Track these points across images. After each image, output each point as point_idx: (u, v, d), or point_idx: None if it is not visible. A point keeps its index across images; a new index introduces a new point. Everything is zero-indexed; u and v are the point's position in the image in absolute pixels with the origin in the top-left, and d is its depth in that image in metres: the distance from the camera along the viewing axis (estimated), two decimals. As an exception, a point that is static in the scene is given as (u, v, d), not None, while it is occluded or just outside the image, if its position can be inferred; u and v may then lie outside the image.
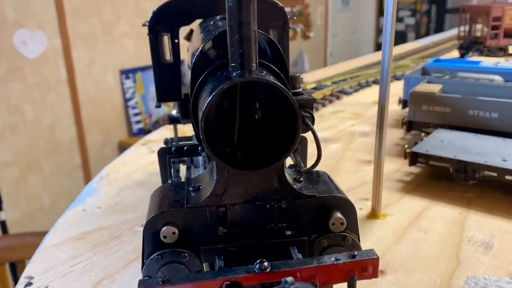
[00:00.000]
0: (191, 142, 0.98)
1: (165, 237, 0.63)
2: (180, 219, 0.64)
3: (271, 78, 0.61)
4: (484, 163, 1.17)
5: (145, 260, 0.65)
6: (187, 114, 1.07)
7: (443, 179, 1.26)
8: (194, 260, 0.65)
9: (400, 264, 0.90)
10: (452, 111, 1.48)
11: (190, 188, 0.68)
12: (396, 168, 1.38)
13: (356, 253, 0.62)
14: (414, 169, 1.34)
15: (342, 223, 0.66)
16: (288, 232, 0.68)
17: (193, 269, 0.65)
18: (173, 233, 0.63)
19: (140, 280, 0.59)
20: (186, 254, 0.64)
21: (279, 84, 0.60)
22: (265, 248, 0.67)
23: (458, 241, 0.99)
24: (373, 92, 2.34)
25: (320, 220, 0.68)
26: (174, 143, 0.99)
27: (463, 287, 0.80)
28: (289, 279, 0.55)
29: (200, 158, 0.94)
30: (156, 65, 0.95)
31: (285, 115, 0.62)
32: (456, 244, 0.98)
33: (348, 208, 0.68)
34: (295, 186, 0.67)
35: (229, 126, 0.63)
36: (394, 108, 1.91)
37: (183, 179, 0.92)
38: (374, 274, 0.62)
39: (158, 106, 1.02)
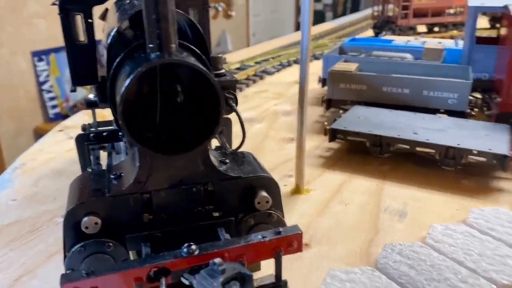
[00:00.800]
0: (111, 127, 0.94)
1: (86, 227, 0.61)
2: (102, 208, 0.62)
3: (191, 60, 0.60)
4: (397, 137, 1.25)
5: (67, 253, 0.62)
6: (105, 97, 1.03)
7: (361, 153, 1.33)
8: (119, 249, 0.63)
9: (323, 236, 0.95)
10: (367, 89, 1.55)
11: (111, 176, 0.66)
12: (317, 144, 1.43)
13: (281, 229, 0.64)
14: (334, 145, 1.40)
15: (267, 202, 0.68)
16: (216, 214, 0.69)
17: (119, 258, 0.64)
18: (95, 223, 0.61)
19: (62, 274, 0.56)
20: (111, 244, 0.63)
21: (200, 65, 0.59)
22: (193, 232, 0.67)
23: (376, 211, 1.05)
24: (294, 71, 2.39)
25: (246, 200, 0.69)
26: (92, 129, 0.95)
27: (381, 253, 0.86)
28: (217, 260, 0.55)
29: (121, 144, 0.91)
30: (69, 46, 0.89)
31: (207, 97, 0.61)
32: (374, 214, 1.04)
33: (272, 186, 0.69)
34: (220, 168, 0.67)
35: (150, 109, 0.61)
36: (314, 86, 1.97)
37: (104, 167, 0.89)
38: (299, 248, 0.65)
39: (73, 90, 0.97)
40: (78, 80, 0.95)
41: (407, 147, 1.25)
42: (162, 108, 0.62)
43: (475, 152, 1.16)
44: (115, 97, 0.66)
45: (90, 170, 0.83)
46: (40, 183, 1.18)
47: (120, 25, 0.69)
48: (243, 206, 0.69)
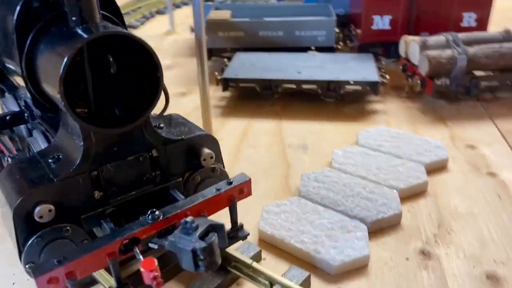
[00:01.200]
0: (11, 110, 0.85)
1: (41, 217, 0.58)
2: (52, 194, 0.60)
3: (122, 30, 0.59)
4: (285, 78, 1.36)
5: (22, 248, 0.59)
6: None
7: (253, 98, 1.41)
8: (77, 231, 0.62)
9: (245, 180, 1.02)
10: (245, 35, 1.62)
11: (50, 160, 0.63)
12: (210, 95, 1.47)
13: (232, 180, 0.69)
14: (226, 94, 1.46)
15: (211, 157, 0.72)
16: (163, 178, 0.70)
17: (78, 240, 0.63)
18: (49, 210, 0.59)
19: (32, 267, 0.54)
20: (68, 228, 0.61)
21: (134, 35, 0.59)
22: (145, 200, 0.68)
23: (282, 148, 1.16)
24: (160, 23, 2.33)
25: (190, 159, 0.71)
26: None
27: (301, 183, 0.97)
28: (189, 218, 0.59)
29: (22, 127, 0.84)
30: None
31: (145, 66, 0.61)
32: (281, 151, 1.14)
33: (212, 142, 0.73)
34: (162, 134, 0.68)
35: (86, 85, 0.59)
36: (187, 36, 1.97)
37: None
38: (249, 192, 0.71)
39: None
40: None
41: (294, 86, 1.37)
42: (98, 82, 0.60)
43: (351, 82, 1.33)
44: (37, 76, 0.62)
45: (10, 159, 0.76)
46: None
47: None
48: (188, 165, 0.72)
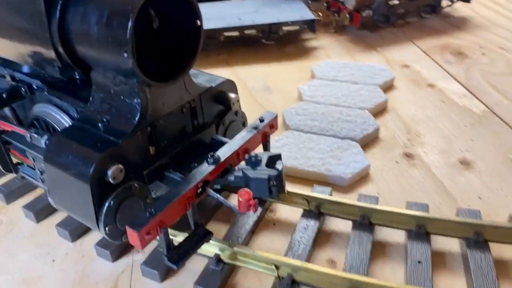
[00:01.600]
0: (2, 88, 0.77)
1: (114, 178, 0.59)
2: (119, 155, 0.60)
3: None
4: (227, 26, 1.39)
5: (99, 212, 0.60)
6: None
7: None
8: (142, 187, 0.64)
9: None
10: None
11: (99, 124, 0.63)
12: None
13: (263, 117, 0.75)
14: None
15: (238, 101, 0.77)
16: (201, 126, 0.73)
17: (143, 196, 0.65)
18: (120, 170, 0.60)
19: (130, 224, 0.56)
20: (136, 185, 0.63)
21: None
22: (192, 147, 0.71)
23: (248, 93, 1.22)
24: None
25: (219, 105, 0.75)
26: None
27: (284, 119, 1.06)
28: (253, 153, 0.65)
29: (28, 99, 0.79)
30: None
31: (183, 18, 0.63)
32: (248, 96, 1.21)
33: (234, 86, 0.77)
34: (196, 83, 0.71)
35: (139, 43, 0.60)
36: None
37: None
38: (277, 127, 0.78)
39: None
40: None
41: (237, 33, 1.42)
42: (141, 39, 0.61)
43: (290, 23, 1.42)
44: (72, 40, 0.60)
45: (44, 135, 0.70)
46: None
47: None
48: (219, 111, 0.76)
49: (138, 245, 0.56)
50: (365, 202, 0.78)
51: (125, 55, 0.55)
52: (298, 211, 0.80)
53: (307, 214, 0.79)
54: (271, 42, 1.45)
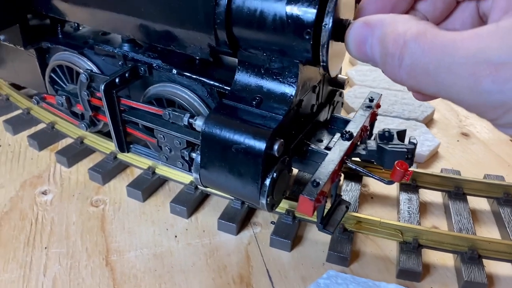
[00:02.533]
0: (120, 68, 0.77)
1: (278, 151, 0.63)
2: (280, 131, 0.64)
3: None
4: None
5: (263, 184, 0.64)
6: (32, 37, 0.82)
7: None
8: (289, 160, 0.69)
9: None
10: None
11: (253, 102, 0.66)
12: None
13: (372, 97, 0.81)
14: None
15: (348, 82, 0.83)
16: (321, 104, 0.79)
17: (288, 170, 0.69)
18: (282, 145, 0.64)
19: (306, 193, 0.61)
20: (287, 158, 0.67)
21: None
22: (316, 125, 0.77)
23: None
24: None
25: (332, 85, 0.81)
26: (95, 73, 0.76)
27: (347, 102, 1.12)
28: (386, 129, 0.71)
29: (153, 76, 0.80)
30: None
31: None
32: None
33: (340, 68, 0.83)
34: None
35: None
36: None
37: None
38: (380, 105, 0.84)
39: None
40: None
41: None
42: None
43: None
44: (235, 17, 0.63)
45: (185, 113, 0.71)
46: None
47: None
48: (330, 91, 0.82)
49: (309, 212, 0.61)
50: (454, 175, 0.87)
51: (307, 37, 0.59)
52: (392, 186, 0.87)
53: (405, 187, 0.86)
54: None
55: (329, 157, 0.68)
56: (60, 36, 0.86)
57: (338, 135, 0.75)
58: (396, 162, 0.65)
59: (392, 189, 0.89)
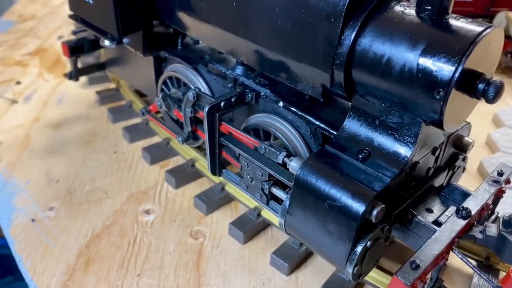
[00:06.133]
0: (230, 92, 0.75)
1: (376, 218, 0.55)
2: (384, 194, 0.56)
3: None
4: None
5: (352, 251, 0.56)
6: (153, 45, 0.83)
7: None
8: (388, 229, 0.60)
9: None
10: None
11: (360, 156, 0.58)
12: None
13: (502, 170, 0.69)
14: None
15: (472, 146, 0.71)
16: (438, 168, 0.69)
17: (384, 237, 0.60)
18: (383, 211, 0.55)
19: (399, 275, 0.52)
20: (387, 226, 0.58)
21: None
22: (428, 191, 0.67)
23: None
24: None
25: (454, 149, 0.71)
26: (202, 93, 0.75)
27: (488, 171, 0.98)
28: (507, 214, 0.59)
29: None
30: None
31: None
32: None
33: (469, 130, 0.73)
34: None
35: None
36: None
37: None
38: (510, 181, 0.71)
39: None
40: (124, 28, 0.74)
41: None
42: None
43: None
44: (357, 60, 0.56)
45: (282, 151, 0.67)
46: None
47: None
48: (451, 155, 0.71)
49: (400, 295, 0.52)
50: None
51: (437, 97, 0.50)
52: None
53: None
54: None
55: (438, 235, 0.59)
56: (179, 47, 0.86)
57: (452, 208, 0.64)
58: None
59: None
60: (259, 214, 0.81)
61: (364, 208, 0.53)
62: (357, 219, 0.53)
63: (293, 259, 0.73)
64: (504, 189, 0.69)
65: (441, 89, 0.50)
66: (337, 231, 0.56)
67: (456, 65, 0.49)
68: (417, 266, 0.54)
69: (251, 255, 0.77)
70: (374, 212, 0.54)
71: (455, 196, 0.68)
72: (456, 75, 0.49)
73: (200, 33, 0.75)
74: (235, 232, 0.79)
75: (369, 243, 0.56)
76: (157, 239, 0.78)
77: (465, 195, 0.66)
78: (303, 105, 0.70)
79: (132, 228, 0.80)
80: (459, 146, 0.70)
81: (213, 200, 0.84)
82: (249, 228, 0.78)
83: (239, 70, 0.77)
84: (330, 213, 0.56)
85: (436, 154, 0.64)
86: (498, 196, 0.69)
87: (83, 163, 0.95)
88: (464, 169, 0.76)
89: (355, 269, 0.57)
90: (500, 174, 0.69)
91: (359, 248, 0.56)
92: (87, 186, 0.89)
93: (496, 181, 0.67)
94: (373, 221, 0.55)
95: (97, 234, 0.79)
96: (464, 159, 0.73)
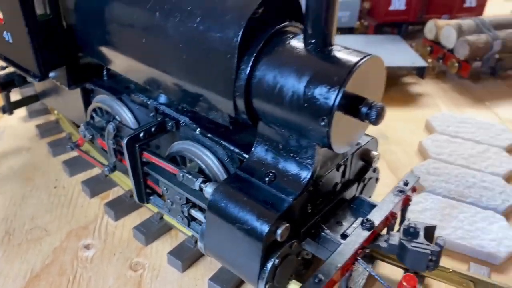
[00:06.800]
0: (150, 122, 0.78)
1: (281, 236, 0.58)
2: (288, 214, 0.59)
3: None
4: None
5: (262, 270, 0.59)
6: (79, 78, 0.85)
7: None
8: (298, 246, 0.63)
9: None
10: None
11: (266, 179, 0.62)
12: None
13: (407, 180, 0.73)
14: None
15: (378, 158, 0.75)
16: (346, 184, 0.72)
17: (297, 254, 0.63)
18: (287, 229, 0.58)
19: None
20: (295, 243, 0.61)
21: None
22: (337, 206, 0.70)
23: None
24: None
25: (362, 162, 0.75)
26: (122, 124, 0.78)
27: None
28: (412, 223, 0.63)
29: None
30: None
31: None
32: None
33: (376, 144, 0.77)
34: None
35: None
36: None
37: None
38: (416, 189, 0.76)
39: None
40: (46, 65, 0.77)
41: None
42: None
43: (403, 67, 1.38)
44: (255, 94, 0.60)
45: (198, 177, 0.70)
46: None
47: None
48: (361, 169, 0.74)
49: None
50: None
51: (322, 123, 0.54)
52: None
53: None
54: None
55: (342, 248, 0.62)
56: (105, 78, 0.88)
57: (360, 220, 0.68)
58: (404, 275, 0.58)
59: None
60: (196, 241, 0.81)
61: (268, 228, 0.56)
62: (262, 239, 0.56)
63: (230, 283, 0.75)
64: (410, 197, 0.74)
65: (324, 117, 0.54)
66: (247, 251, 0.59)
67: (336, 93, 0.53)
68: (320, 280, 0.57)
69: (190, 283, 0.77)
70: (279, 232, 0.57)
71: (365, 208, 0.72)
72: (337, 102, 0.52)
73: (119, 66, 0.78)
74: (173, 261, 0.79)
75: (277, 261, 0.59)
76: (97, 275, 0.78)
77: (372, 206, 0.70)
78: (219, 131, 0.72)
79: (72, 265, 0.80)
80: (366, 160, 0.75)
81: (152, 231, 0.84)
82: (187, 256, 0.79)
83: (162, 98, 0.79)
84: (240, 235, 0.59)
85: (341, 170, 0.68)
86: (405, 204, 0.74)
87: (22, 201, 0.94)
88: (377, 179, 0.80)
89: (267, 286, 0.59)
90: (406, 183, 0.73)
91: (268, 266, 0.59)
92: (27, 225, 0.88)
93: (401, 191, 0.72)
94: (279, 239, 0.58)
95: (36, 274, 0.78)
96: (375, 171, 0.77)
